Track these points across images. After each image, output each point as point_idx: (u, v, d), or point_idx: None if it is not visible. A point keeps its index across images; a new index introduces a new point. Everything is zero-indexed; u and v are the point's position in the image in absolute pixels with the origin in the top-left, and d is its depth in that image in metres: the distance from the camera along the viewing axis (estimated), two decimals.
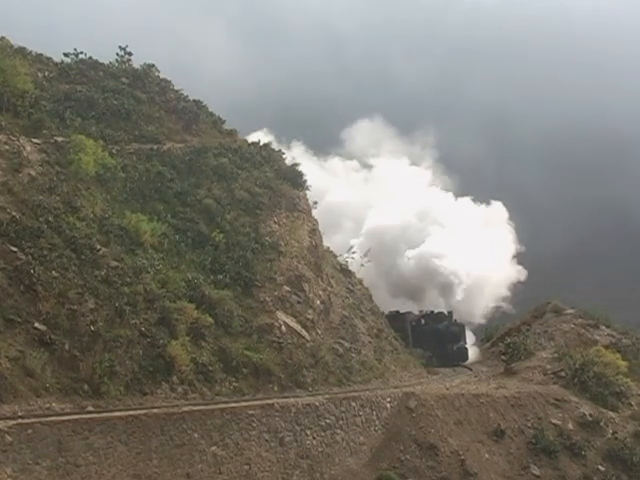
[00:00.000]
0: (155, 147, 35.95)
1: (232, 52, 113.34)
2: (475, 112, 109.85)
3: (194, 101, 43.28)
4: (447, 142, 77.88)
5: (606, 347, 43.44)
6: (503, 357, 44.27)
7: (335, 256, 44.70)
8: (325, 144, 69.55)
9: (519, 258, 61.55)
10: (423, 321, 50.67)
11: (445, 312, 51.71)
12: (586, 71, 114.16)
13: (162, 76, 43.23)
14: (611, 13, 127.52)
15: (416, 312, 52.02)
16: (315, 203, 42.83)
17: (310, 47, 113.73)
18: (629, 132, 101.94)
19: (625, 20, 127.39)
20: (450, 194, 64.23)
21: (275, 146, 44.97)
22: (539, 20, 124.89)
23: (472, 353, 50.42)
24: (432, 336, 48.52)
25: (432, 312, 51.39)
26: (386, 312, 48.31)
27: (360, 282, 44.89)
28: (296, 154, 57.72)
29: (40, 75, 36.76)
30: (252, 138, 45.19)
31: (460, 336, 50.17)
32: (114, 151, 32.89)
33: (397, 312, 50.28)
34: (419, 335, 48.62)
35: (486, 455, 32.32)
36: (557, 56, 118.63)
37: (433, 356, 46.20)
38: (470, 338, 53.19)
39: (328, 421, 28.26)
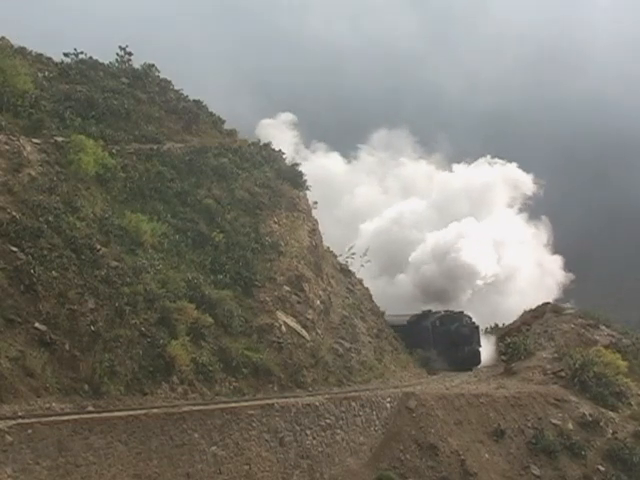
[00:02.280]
0: (155, 147, 35.91)
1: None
2: (479, 120, 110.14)
3: (194, 101, 43.28)
4: (453, 151, 77.71)
5: (606, 347, 43.36)
6: (503, 357, 44.16)
7: (335, 256, 44.69)
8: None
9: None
10: (441, 322, 47.50)
11: (465, 312, 48.34)
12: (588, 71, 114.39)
13: (162, 76, 43.31)
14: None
15: (442, 312, 48.66)
16: (315, 203, 42.83)
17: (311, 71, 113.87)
18: (632, 131, 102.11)
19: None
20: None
21: (299, 141, 45.48)
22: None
23: (486, 356, 47.12)
24: (445, 337, 46.10)
25: (451, 312, 48.27)
26: (418, 311, 47.50)
27: (360, 282, 44.87)
28: (319, 155, 58.59)
29: (40, 75, 36.68)
30: (278, 119, 45.29)
31: (472, 338, 46.85)
32: (114, 151, 32.85)
33: (429, 311, 47.99)
34: (437, 336, 46.18)
35: (486, 455, 32.30)
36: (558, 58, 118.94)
37: (445, 359, 44.60)
38: (489, 340, 49.61)
39: (328, 421, 28.21)
